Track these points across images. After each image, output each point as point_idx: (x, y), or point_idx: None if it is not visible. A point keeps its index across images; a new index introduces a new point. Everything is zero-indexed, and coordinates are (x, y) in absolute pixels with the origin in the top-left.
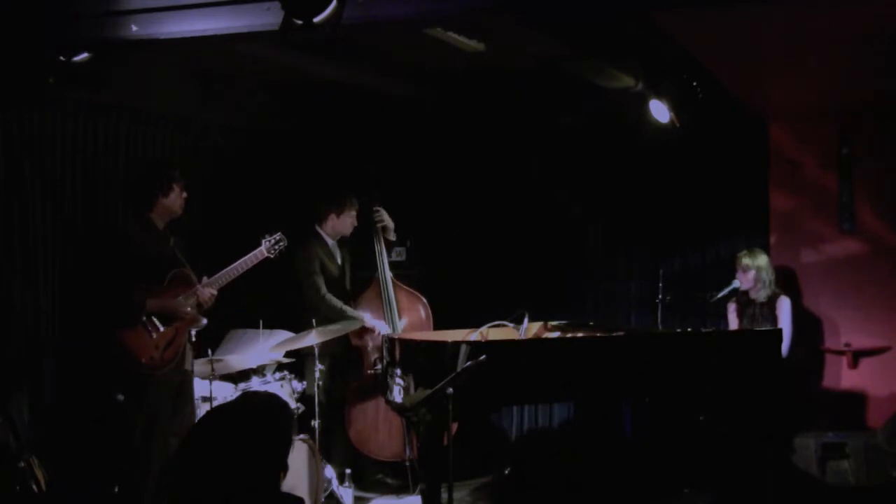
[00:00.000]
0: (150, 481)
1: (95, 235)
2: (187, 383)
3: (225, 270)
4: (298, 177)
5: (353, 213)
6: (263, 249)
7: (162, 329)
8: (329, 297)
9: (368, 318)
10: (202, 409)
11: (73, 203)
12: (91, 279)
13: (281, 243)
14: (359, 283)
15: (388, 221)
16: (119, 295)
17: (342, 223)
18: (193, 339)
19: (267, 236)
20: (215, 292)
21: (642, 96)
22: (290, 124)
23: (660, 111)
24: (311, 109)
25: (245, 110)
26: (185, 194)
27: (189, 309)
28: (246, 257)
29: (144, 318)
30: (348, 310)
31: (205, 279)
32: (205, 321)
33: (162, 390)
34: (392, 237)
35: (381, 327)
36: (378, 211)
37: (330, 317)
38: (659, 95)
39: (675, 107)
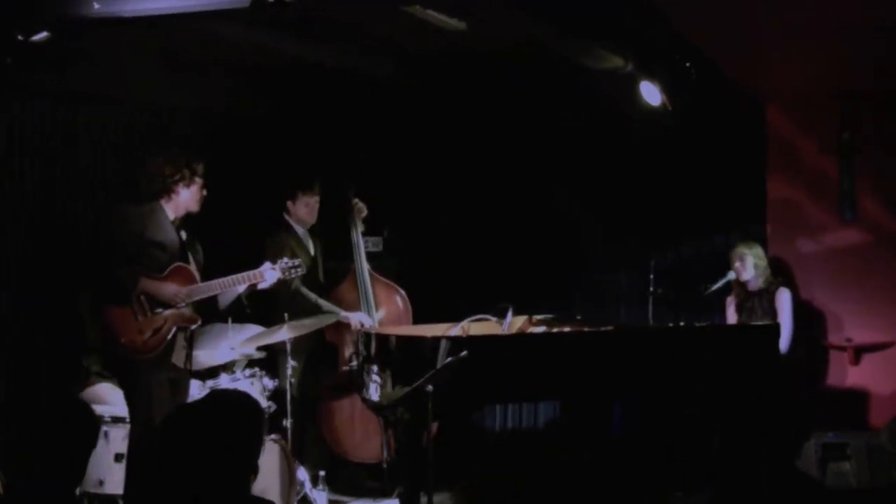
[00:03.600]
0: None
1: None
2: (181, 379)
3: (215, 281)
4: (271, 163)
5: (310, 199)
6: (278, 269)
7: (149, 314)
8: (301, 290)
9: (346, 313)
10: None
11: (33, 194)
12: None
13: (297, 269)
14: (334, 274)
15: (365, 212)
16: (109, 269)
17: (299, 210)
18: (188, 335)
19: (286, 259)
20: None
21: (632, 78)
22: (263, 109)
23: (651, 94)
24: (285, 93)
25: (215, 95)
26: (205, 192)
27: (183, 304)
28: (247, 273)
29: (134, 298)
30: (323, 303)
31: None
32: (199, 321)
33: (153, 380)
34: (361, 228)
35: (363, 318)
36: (357, 202)
37: (304, 310)
38: (650, 77)
39: (666, 89)
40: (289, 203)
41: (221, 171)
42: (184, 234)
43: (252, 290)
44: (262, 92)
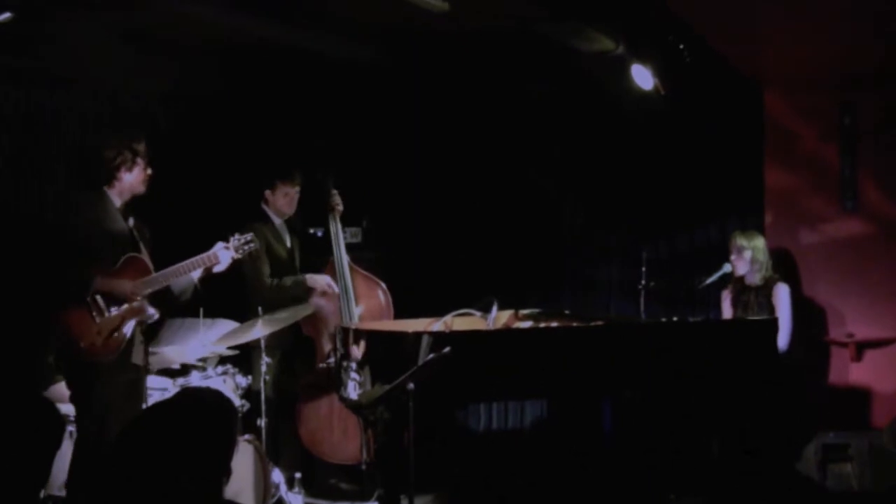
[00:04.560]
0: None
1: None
2: (139, 379)
3: (166, 270)
4: (244, 150)
5: (290, 190)
6: (231, 247)
7: (107, 314)
8: (274, 281)
9: (310, 276)
10: None
11: None
12: (36, 252)
13: (252, 244)
14: (312, 267)
15: (340, 204)
16: (64, 268)
17: (277, 201)
18: (145, 331)
19: (237, 234)
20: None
21: (623, 60)
22: (235, 93)
23: (643, 77)
24: (258, 76)
25: (184, 77)
26: (149, 171)
27: (140, 298)
28: (199, 256)
29: (90, 299)
30: (300, 277)
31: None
32: (156, 315)
33: (110, 383)
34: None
35: (329, 281)
36: (335, 194)
37: (283, 297)
38: (641, 59)
39: (659, 72)
40: (267, 193)
41: (194, 159)
42: (131, 221)
43: (208, 274)
44: (234, 75)
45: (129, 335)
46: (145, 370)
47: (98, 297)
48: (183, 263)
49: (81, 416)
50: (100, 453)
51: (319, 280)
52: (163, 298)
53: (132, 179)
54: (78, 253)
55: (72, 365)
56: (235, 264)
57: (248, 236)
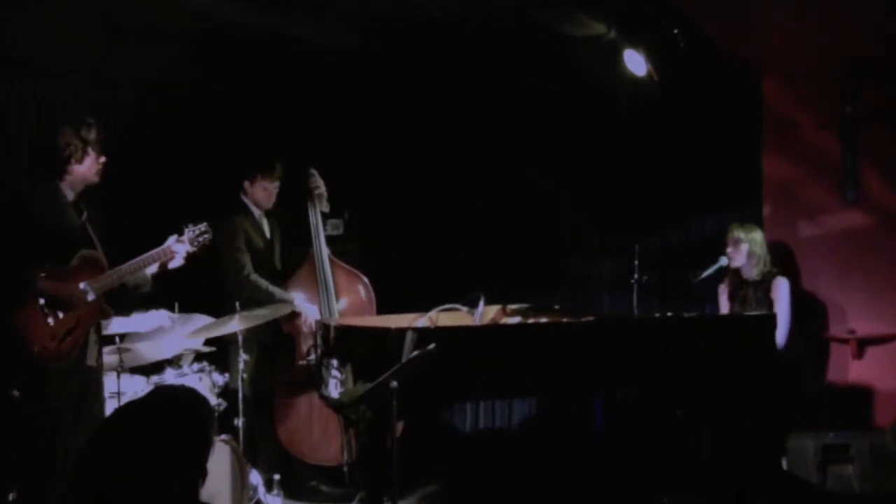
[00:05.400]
0: (53, 489)
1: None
2: (94, 380)
3: (121, 267)
4: (222, 139)
5: (269, 184)
6: (186, 240)
7: (61, 316)
8: (254, 277)
9: (299, 301)
10: (111, 407)
11: None
12: None
13: (206, 235)
14: (291, 260)
15: (324, 189)
16: (8, 268)
17: (256, 194)
18: (102, 331)
19: (190, 225)
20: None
21: (615, 46)
22: (213, 80)
23: (635, 63)
24: (236, 62)
25: (160, 64)
26: (102, 159)
27: (90, 298)
28: (153, 251)
29: (42, 302)
30: (276, 291)
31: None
32: (112, 312)
33: (62, 388)
34: (325, 208)
35: (311, 312)
36: (313, 176)
37: (256, 299)
38: (634, 44)
39: (652, 58)
40: (246, 184)
41: (165, 147)
42: (85, 215)
43: (164, 269)
44: (211, 62)
45: (85, 336)
46: (100, 368)
47: (50, 298)
48: (136, 260)
49: (32, 423)
50: (53, 460)
51: (306, 309)
52: (118, 294)
53: (83, 170)
54: (25, 251)
55: (22, 370)
56: (215, 259)
57: (202, 227)
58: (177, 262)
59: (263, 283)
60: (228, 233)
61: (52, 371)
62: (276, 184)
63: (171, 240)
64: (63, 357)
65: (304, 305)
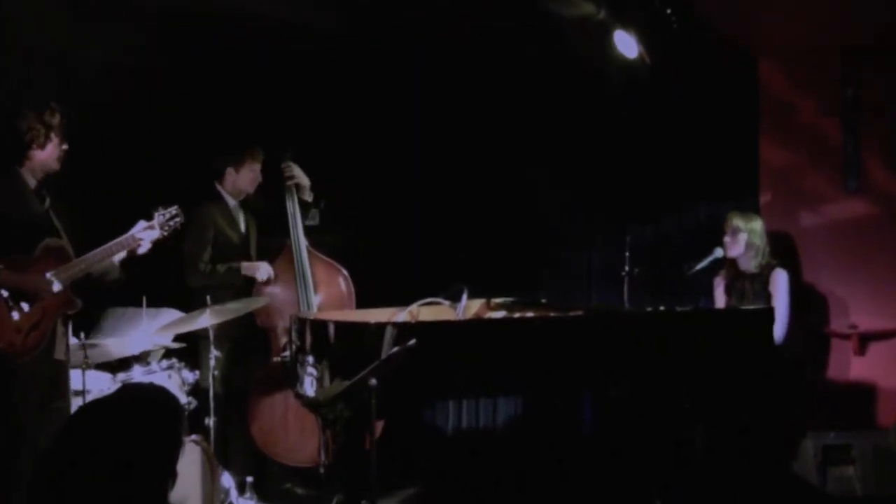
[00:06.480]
0: (17, 489)
1: None
2: (61, 375)
3: (87, 256)
4: (195, 125)
5: (256, 166)
6: (156, 224)
7: (26, 308)
8: (206, 269)
9: (247, 264)
10: (76, 405)
11: None
12: None
13: (177, 219)
14: (267, 251)
15: (303, 178)
16: None
17: (242, 178)
18: (69, 322)
19: (160, 209)
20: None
21: (605, 27)
22: (185, 62)
23: (626, 44)
24: (209, 44)
25: (129, 45)
26: (65, 145)
27: (56, 289)
28: (120, 238)
29: (6, 295)
30: (235, 264)
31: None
32: (79, 304)
33: (28, 383)
34: (308, 197)
35: (263, 268)
36: (289, 166)
37: (222, 286)
38: (625, 25)
39: (644, 39)
40: (230, 170)
41: (135, 133)
42: (48, 202)
43: (132, 256)
44: (184, 43)
45: (52, 328)
46: (67, 362)
47: (12, 291)
48: (103, 248)
49: None
50: (18, 458)
51: (256, 268)
52: (86, 283)
53: (45, 156)
54: None
55: None
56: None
57: (173, 210)
58: (145, 248)
59: (221, 266)
60: (196, 224)
61: (18, 366)
62: (260, 165)
63: (140, 226)
64: (29, 352)
65: (256, 263)
